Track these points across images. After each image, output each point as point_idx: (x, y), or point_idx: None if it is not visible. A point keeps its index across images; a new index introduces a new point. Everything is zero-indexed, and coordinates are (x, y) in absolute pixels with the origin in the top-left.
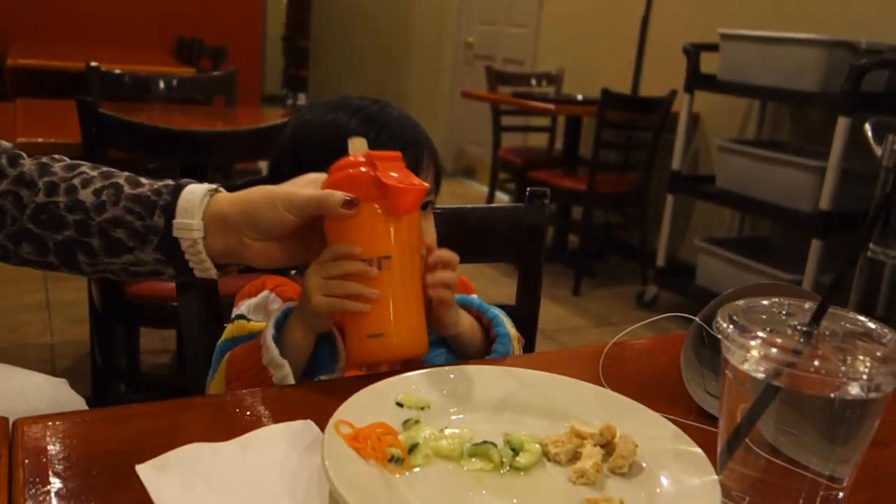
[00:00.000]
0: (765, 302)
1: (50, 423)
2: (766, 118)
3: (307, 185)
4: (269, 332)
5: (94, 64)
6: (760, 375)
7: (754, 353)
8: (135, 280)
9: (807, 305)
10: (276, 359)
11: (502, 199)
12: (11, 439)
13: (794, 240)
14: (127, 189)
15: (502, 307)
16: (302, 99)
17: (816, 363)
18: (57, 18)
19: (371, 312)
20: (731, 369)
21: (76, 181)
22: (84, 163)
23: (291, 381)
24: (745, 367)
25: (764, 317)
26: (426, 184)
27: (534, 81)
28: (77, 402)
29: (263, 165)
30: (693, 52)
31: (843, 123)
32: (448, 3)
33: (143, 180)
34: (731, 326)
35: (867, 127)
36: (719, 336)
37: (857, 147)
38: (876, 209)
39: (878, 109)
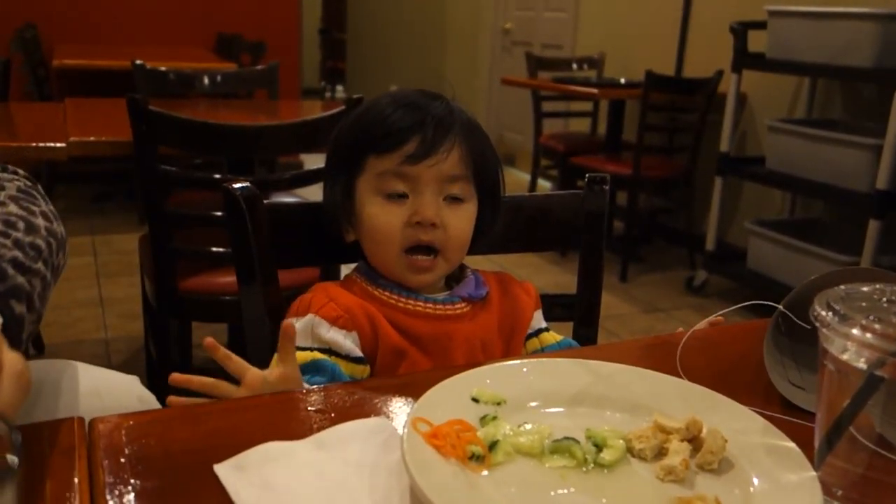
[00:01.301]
0: (865, 288)
1: (126, 423)
2: (816, 96)
3: None
4: None
5: (139, 62)
6: (862, 365)
7: (856, 341)
8: None
9: None
10: None
11: (544, 186)
12: (89, 439)
13: (848, 221)
14: None
15: (556, 296)
16: (340, 91)
17: None
18: (99, 19)
19: None
20: (830, 359)
21: None
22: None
23: None
24: (846, 356)
25: (864, 304)
26: None
27: (574, 66)
28: (149, 400)
29: (306, 158)
30: (741, 31)
31: None
32: None
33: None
34: (831, 314)
35: None
36: (818, 324)
37: None
38: None
39: None
